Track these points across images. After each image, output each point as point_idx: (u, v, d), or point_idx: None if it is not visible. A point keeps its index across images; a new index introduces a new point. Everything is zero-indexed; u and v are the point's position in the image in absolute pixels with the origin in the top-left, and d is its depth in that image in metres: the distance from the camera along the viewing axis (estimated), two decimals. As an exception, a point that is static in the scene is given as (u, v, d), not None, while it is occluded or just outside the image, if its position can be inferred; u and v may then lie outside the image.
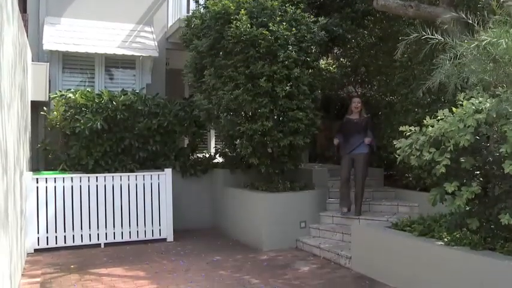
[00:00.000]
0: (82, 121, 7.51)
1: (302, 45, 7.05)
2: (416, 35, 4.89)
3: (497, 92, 4.21)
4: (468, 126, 4.17)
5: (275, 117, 7.07)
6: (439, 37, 4.78)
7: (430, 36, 4.82)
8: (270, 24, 6.78)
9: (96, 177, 7.21)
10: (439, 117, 4.54)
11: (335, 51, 9.55)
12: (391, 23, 8.34)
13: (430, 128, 4.55)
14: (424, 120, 4.72)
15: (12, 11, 4.51)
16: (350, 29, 8.27)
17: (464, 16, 4.74)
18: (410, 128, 4.79)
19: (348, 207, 7.00)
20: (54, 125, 7.75)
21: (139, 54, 8.88)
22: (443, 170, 4.30)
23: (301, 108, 7.02)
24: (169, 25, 9.58)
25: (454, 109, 4.43)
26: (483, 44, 4.22)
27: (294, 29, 6.95)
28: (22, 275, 5.57)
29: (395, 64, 7.61)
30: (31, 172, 6.91)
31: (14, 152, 4.69)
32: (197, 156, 8.89)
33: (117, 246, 7.11)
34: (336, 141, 7.17)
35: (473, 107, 4.26)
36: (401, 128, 4.85)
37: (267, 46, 6.76)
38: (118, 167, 7.88)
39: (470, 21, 4.59)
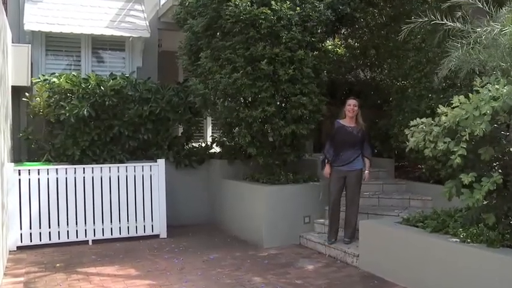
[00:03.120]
0: (67, 108, 7.49)
1: (307, 25, 7.02)
2: (426, 19, 4.88)
3: None
4: (484, 115, 4.14)
5: (277, 103, 7.06)
6: (451, 23, 4.78)
7: (440, 22, 4.82)
8: (272, 3, 6.73)
9: (83, 168, 7.22)
10: (453, 104, 4.52)
11: (342, 31, 9.50)
12: (404, 1, 8.28)
13: (443, 117, 4.54)
14: (437, 108, 4.70)
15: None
16: (359, 7, 8.21)
17: None
18: (421, 120, 4.76)
19: (336, 237, 6.43)
20: (37, 112, 7.73)
21: (129, 35, 8.85)
22: (459, 160, 4.29)
23: (305, 93, 7.01)
24: (161, 3, 9.53)
25: (470, 95, 4.42)
26: (493, 32, 4.24)
27: (298, 7, 6.91)
28: (4, 274, 5.60)
29: (408, 46, 7.58)
30: (13, 163, 6.92)
31: (-7, 141, 4.69)
32: (192, 145, 8.90)
33: (106, 243, 7.13)
34: (325, 155, 6.50)
35: (490, 94, 4.23)
36: (411, 123, 4.82)
37: (269, 26, 6.72)
38: (107, 158, 7.88)
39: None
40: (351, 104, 6.39)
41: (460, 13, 5.08)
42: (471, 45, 4.75)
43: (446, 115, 4.51)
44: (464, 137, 4.26)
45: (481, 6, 4.77)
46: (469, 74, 5.03)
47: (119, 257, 6.44)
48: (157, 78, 9.23)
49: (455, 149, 4.32)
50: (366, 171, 6.39)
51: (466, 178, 4.34)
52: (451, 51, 4.93)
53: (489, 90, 4.21)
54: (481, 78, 4.49)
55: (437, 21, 4.96)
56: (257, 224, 7.06)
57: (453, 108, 4.47)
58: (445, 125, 4.47)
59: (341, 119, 6.49)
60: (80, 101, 7.58)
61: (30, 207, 6.88)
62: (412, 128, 4.80)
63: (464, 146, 4.28)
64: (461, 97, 4.44)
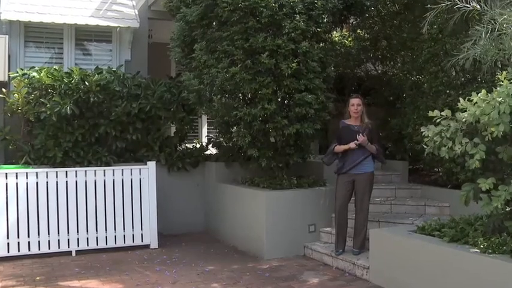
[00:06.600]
0: (48, 105, 7.49)
1: (312, 14, 7.02)
2: (448, 3, 4.85)
3: None
4: (502, 114, 4.12)
5: (279, 100, 7.06)
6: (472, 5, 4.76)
7: (460, 5, 4.80)
8: (274, -11, 6.75)
9: (66, 172, 7.21)
10: (473, 101, 4.50)
11: (351, 21, 9.52)
12: (418, -13, 8.29)
13: (461, 114, 4.51)
14: (458, 104, 4.68)
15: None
16: (370, -7, 8.23)
17: None
18: (441, 113, 4.75)
19: (343, 247, 6.46)
20: (15, 110, 7.74)
21: (116, 24, 8.85)
22: (477, 164, 4.27)
23: (311, 89, 7.01)
24: (152, -10, 9.55)
25: (494, 90, 4.39)
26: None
27: (301, -6, 6.92)
28: (-21, 288, 5.61)
29: (423, 37, 7.58)
30: (-12, 166, 6.93)
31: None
32: (186, 146, 8.91)
33: (91, 254, 7.13)
34: (337, 148, 6.46)
35: (507, 91, 4.19)
36: (430, 114, 4.81)
37: (270, 15, 6.72)
38: (92, 160, 7.89)
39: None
40: (355, 103, 6.46)
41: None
42: (496, 31, 4.71)
43: (465, 111, 4.49)
44: (487, 137, 4.23)
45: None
46: (491, 67, 5.02)
47: (105, 269, 6.43)
48: (148, 72, 9.24)
49: (473, 152, 4.31)
50: (362, 137, 6.22)
51: (484, 184, 4.33)
52: (473, 38, 4.89)
53: (506, 86, 4.18)
54: (507, 71, 4.45)
55: (458, 4, 4.91)
56: (257, 233, 7.06)
57: (474, 104, 4.45)
58: (463, 121, 4.45)
59: (346, 118, 6.59)
60: (62, 97, 7.58)
61: (8, 214, 6.86)
62: (427, 127, 4.80)
63: (483, 149, 4.26)
64: (483, 92, 4.41)
